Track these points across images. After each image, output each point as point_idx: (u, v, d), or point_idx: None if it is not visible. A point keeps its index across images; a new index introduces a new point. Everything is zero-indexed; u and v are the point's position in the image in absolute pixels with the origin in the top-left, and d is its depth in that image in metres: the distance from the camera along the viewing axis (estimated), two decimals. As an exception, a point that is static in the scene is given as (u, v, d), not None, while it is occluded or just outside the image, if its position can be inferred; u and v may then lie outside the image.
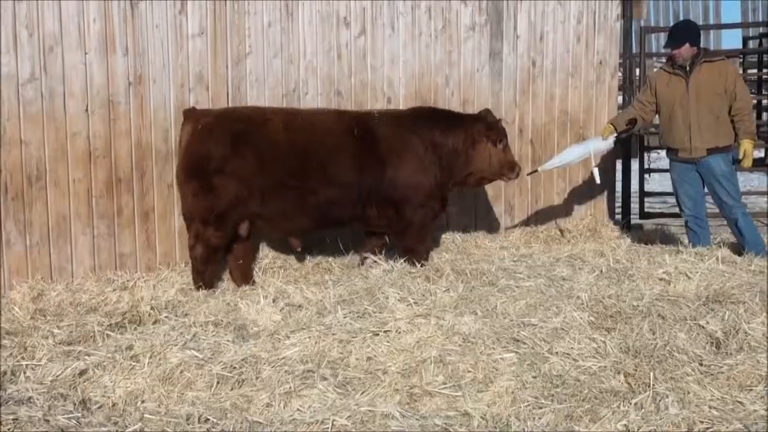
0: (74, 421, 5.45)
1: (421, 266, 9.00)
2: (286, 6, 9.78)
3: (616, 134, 10.17)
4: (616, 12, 11.39)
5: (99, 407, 5.90)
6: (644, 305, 7.57)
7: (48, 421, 5.34)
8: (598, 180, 10.26)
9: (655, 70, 10.45)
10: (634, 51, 12.99)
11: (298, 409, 5.70)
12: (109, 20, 8.94)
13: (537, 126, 11.20)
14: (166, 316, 7.55)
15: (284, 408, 5.77)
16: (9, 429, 5.15)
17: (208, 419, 5.62)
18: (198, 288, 8.68)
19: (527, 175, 10.58)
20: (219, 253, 8.94)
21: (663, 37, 13.12)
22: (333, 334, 6.85)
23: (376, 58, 10.28)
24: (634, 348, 6.60)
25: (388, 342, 6.73)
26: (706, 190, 10.02)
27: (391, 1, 10.28)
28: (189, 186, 8.73)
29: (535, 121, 11.19)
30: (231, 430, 5.42)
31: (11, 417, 5.27)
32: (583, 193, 11.48)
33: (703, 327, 7.01)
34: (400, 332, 6.84)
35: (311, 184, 8.87)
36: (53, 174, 8.81)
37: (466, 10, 10.70)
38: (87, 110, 8.91)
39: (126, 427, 5.43)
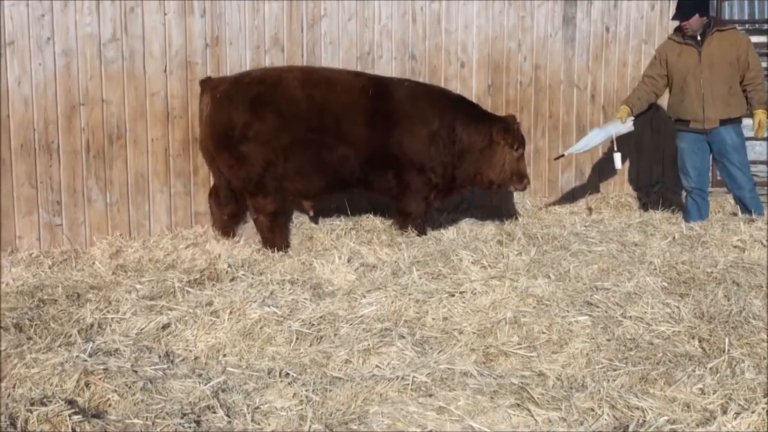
0: (161, 372, 5.61)
1: (416, 232, 9.10)
2: (362, -31, 9.85)
3: (633, 117, 10.00)
4: (691, -22, 11.31)
5: (182, 360, 6.07)
6: (718, 272, 7.58)
7: (136, 371, 5.49)
8: (618, 165, 10.07)
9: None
10: (709, 18, 12.86)
11: (377, 366, 5.83)
12: (189, -18, 9.07)
13: (609, 92, 11.18)
14: (243, 274, 7.68)
15: (363, 364, 5.90)
16: (101, 378, 5.30)
17: (289, 374, 5.74)
18: (272, 251, 8.78)
19: (554, 159, 10.62)
20: (281, 217, 9.08)
21: (737, 4, 12.96)
22: (409, 294, 6.96)
23: (450, 23, 10.30)
24: (708, 314, 6.63)
25: (463, 303, 6.82)
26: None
27: (467, -34, 10.30)
28: (221, 158, 8.88)
29: (607, 87, 11.18)
30: (312, 383, 5.52)
31: (101, 367, 5.42)
32: (654, 159, 11.44)
33: (779, 294, 7.02)
34: (475, 293, 6.92)
35: (326, 139, 8.96)
36: (132, 133, 8.97)
37: (541, -24, 10.70)
38: (165, 71, 9.04)
39: (210, 379, 5.56)
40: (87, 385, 5.29)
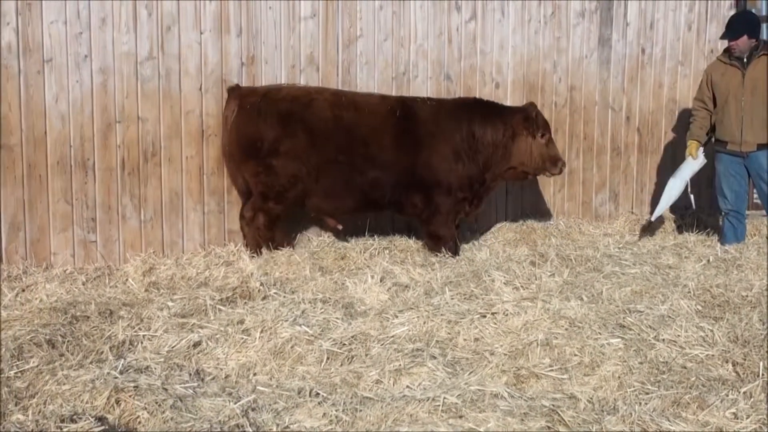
0: (191, 391, 5.61)
1: (448, 254, 9.07)
2: (397, -11, 9.87)
3: (702, 148, 9.91)
4: (729, 0, 11.26)
5: (213, 378, 6.07)
6: (753, 295, 7.53)
7: (166, 389, 5.50)
8: (694, 206, 10.27)
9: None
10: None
11: (408, 386, 5.80)
12: (224, 1, 9.10)
13: (644, 114, 11.12)
14: (275, 293, 7.67)
15: (394, 385, 5.89)
16: (131, 395, 5.32)
17: (319, 393, 5.73)
18: (258, 252, 8.91)
19: (644, 227, 10.54)
20: (280, 221, 9.14)
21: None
22: (441, 315, 6.94)
23: (485, 43, 10.30)
24: (742, 337, 6.58)
25: (495, 324, 6.80)
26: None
27: (502, -14, 10.30)
28: (247, 166, 8.99)
29: (642, 108, 11.11)
30: (342, 403, 5.51)
31: (132, 384, 5.44)
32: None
33: (816, 320, 6.95)
34: (507, 314, 6.90)
35: (355, 161, 9.03)
36: (167, 151, 9.03)
37: (576, -3, 10.68)
38: (201, 89, 9.09)
39: (240, 398, 5.56)
40: (117, 402, 5.32)
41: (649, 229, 10.54)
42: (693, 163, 9.89)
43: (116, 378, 5.55)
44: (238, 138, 8.94)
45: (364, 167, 9.03)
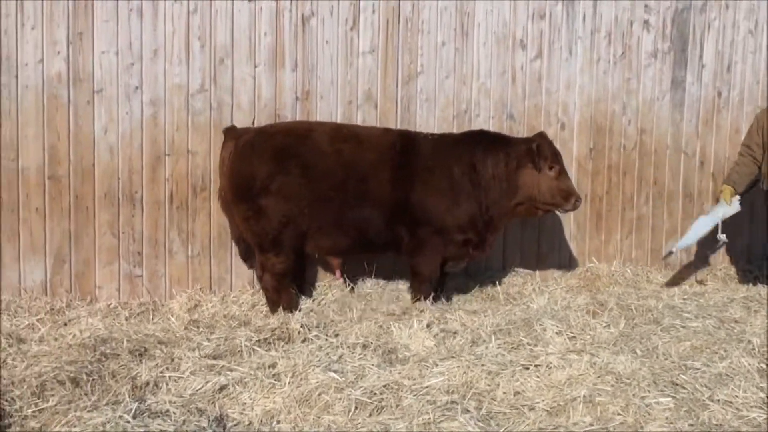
0: (203, 438, 5.36)
1: (420, 295, 8.59)
2: (461, 26, 9.58)
3: (739, 196, 9.38)
4: (811, 44, 10.79)
5: (235, 424, 5.82)
6: (823, 357, 7.06)
7: (177, 436, 5.26)
8: (723, 244, 9.60)
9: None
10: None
11: (435, 443, 5.49)
12: (280, 35, 8.93)
13: (720, 159, 10.66)
14: (315, 335, 7.40)
15: (420, 440, 5.57)
16: (137, 441, 5.10)
17: (342, 446, 5.45)
18: (275, 312, 8.38)
19: (663, 259, 10.18)
20: (288, 277, 8.58)
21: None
22: (482, 365, 6.63)
23: (551, 82, 9.98)
24: (805, 401, 6.13)
25: (538, 377, 6.47)
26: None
27: (570, 25, 9.95)
28: (238, 209, 8.46)
29: (717, 154, 10.66)
30: (362, 459, 5.23)
31: (142, 430, 5.21)
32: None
33: None
34: (551, 367, 6.57)
35: (349, 198, 8.45)
36: (216, 185, 8.83)
37: (649, 37, 10.26)
38: (253, 123, 8.89)
39: (256, 448, 5.30)
40: (125, 448, 5.09)
41: (665, 261, 10.14)
42: (727, 207, 9.34)
43: (128, 422, 5.33)
44: (231, 179, 8.45)
45: (357, 203, 8.46)
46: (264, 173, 8.32)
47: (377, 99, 9.36)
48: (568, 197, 8.71)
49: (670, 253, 9.79)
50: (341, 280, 9.07)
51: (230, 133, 8.56)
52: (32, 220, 8.43)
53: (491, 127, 9.70)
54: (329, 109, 9.17)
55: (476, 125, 9.65)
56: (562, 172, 8.76)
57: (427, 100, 9.55)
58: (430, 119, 9.55)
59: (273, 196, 8.32)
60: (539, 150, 8.64)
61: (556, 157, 8.74)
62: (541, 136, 8.83)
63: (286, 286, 8.54)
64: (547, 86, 9.97)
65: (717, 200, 9.68)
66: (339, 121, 9.19)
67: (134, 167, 8.62)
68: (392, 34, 9.35)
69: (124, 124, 8.56)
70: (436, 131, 9.37)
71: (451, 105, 9.65)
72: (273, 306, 8.47)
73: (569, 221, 10.16)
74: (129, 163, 8.60)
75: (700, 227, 9.42)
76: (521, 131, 9.80)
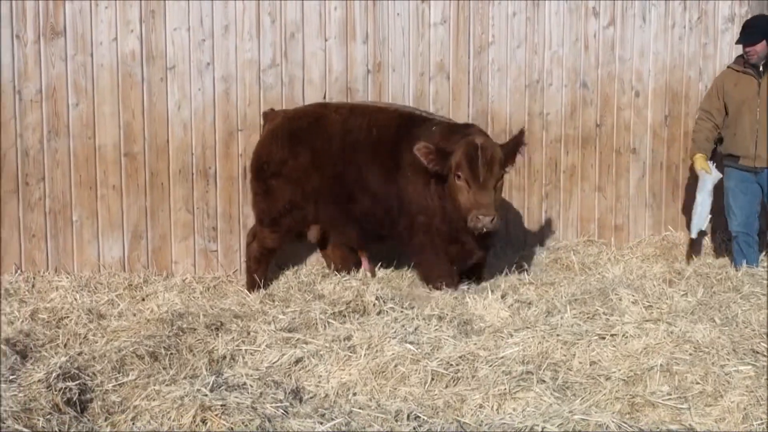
0: (281, 411, 5.35)
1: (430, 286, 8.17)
2: (532, -5, 9.52)
3: (712, 161, 9.10)
4: None
5: (311, 397, 5.84)
6: None
7: (255, 408, 5.25)
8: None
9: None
10: None
11: (510, 413, 5.43)
12: (350, 8, 8.92)
13: (798, 124, 10.45)
14: (390, 307, 7.40)
15: (497, 411, 5.53)
16: (217, 414, 5.12)
17: (418, 416, 5.43)
18: (250, 290, 8.33)
19: (688, 252, 9.81)
20: (273, 255, 8.60)
21: None
22: (557, 335, 6.55)
23: (624, 50, 9.85)
24: None
25: (614, 346, 6.39)
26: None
27: (644, -9, 9.83)
28: (251, 185, 8.54)
29: (795, 118, 10.45)
30: (439, 430, 5.20)
31: (220, 402, 5.23)
32: None
33: None
34: (627, 337, 6.48)
35: (353, 189, 8.25)
36: (289, 159, 8.85)
37: (725, 1, 10.08)
38: (325, 97, 8.90)
39: (332, 419, 5.29)
40: (204, 421, 5.11)
41: (695, 246, 9.80)
42: (709, 176, 9.03)
43: (206, 395, 5.32)
44: (253, 159, 8.51)
45: (359, 195, 8.26)
46: (278, 157, 8.31)
47: (449, 70, 9.31)
48: (467, 214, 7.71)
49: (692, 240, 9.56)
50: (369, 267, 8.88)
51: (266, 116, 8.57)
52: (110, 197, 8.53)
53: (563, 96, 9.65)
54: (401, 81, 9.15)
55: (549, 95, 9.62)
56: (474, 181, 7.64)
57: (499, 70, 9.48)
58: (502, 89, 9.50)
59: (282, 179, 8.31)
60: (461, 153, 7.70)
61: (469, 164, 7.62)
62: (476, 130, 8.11)
63: (267, 261, 8.54)
64: (621, 54, 9.85)
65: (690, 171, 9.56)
66: (410, 92, 9.17)
67: (207, 143, 8.68)
68: (463, 5, 9.28)
69: (196, 101, 8.61)
70: (508, 102, 9.33)
71: (523, 75, 9.58)
72: (249, 275, 8.50)
73: (644, 190, 10.03)
74: (202, 139, 8.66)
75: (703, 206, 9.09)
76: (594, 100, 9.73)
